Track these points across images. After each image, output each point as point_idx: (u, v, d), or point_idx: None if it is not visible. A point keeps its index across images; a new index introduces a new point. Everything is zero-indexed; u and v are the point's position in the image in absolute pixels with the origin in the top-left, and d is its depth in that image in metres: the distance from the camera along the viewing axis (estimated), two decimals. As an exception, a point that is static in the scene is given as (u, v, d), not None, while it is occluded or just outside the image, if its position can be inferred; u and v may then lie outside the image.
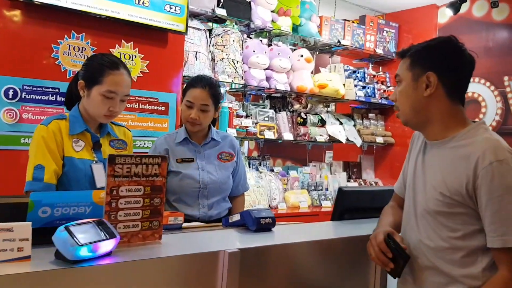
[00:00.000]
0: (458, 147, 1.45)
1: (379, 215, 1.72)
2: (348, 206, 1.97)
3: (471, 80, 1.54)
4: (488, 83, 4.47)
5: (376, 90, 4.68)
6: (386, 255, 1.47)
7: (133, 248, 1.35)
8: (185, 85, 2.48)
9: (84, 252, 1.17)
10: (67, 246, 1.15)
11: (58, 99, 2.75)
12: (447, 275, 1.44)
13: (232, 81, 3.64)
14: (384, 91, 4.77)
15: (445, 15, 4.66)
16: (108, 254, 1.25)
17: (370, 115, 4.88)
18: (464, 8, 4.48)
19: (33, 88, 2.69)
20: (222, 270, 1.36)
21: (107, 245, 1.23)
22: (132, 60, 3.02)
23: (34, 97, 2.70)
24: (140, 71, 3.06)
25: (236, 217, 1.75)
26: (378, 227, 1.62)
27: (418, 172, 1.56)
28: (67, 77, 2.76)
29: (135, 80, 3.02)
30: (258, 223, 1.66)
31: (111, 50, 2.94)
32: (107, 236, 1.24)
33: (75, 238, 1.17)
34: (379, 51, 4.76)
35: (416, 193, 1.55)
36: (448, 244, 1.44)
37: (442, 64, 1.48)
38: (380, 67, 5.14)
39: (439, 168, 1.48)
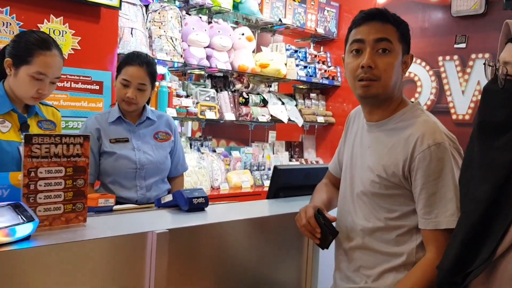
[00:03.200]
0: (396, 129, 1.45)
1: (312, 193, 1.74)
2: (283, 184, 1.98)
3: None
4: (423, 63, 4.61)
5: (317, 70, 4.72)
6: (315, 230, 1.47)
7: (55, 232, 1.28)
8: (119, 62, 2.38)
9: (-3, 237, 1.11)
10: (-23, 231, 1.08)
11: (-20, 77, 2.57)
12: (382, 254, 1.45)
13: (171, 59, 3.55)
14: (325, 71, 4.81)
15: (383, -5, 4.75)
16: (26, 239, 1.19)
17: (312, 95, 4.92)
18: (401, -11, 4.58)
19: (-48, 65, 2.50)
20: (150, 252, 1.32)
21: (24, 229, 1.17)
22: (63, 36, 2.87)
23: (-47, 75, 2.51)
24: (71, 48, 2.91)
25: (168, 198, 1.71)
26: (310, 203, 1.62)
27: (355, 154, 1.55)
28: (-8, 54, 2.58)
29: (66, 57, 2.87)
30: (191, 203, 1.63)
31: (39, 25, 2.77)
32: (24, 219, 1.17)
33: (-13, 223, 1.10)
34: (320, 30, 4.79)
35: (353, 175, 1.54)
36: (384, 224, 1.44)
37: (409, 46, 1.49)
38: (322, 47, 5.18)
39: (376, 150, 1.47)
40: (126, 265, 1.30)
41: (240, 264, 1.57)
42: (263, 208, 1.84)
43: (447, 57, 4.50)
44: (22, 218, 1.18)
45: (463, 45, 4.41)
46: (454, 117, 4.44)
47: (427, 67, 4.59)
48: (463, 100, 4.43)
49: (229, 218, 1.57)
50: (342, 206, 1.59)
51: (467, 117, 4.39)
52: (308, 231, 1.48)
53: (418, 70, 4.63)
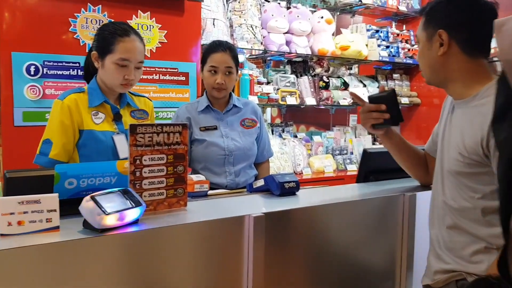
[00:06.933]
0: (478, 106, 1.40)
1: (404, 176, 1.70)
2: (373, 167, 1.95)
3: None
4: None
5: (400, 50, 4.56)
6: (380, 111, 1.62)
7: (160, 216, 1.36)
8: (203, 52, 2.45)
9: (111, 221, 1.19)
10: (94, 215, 1.17)
11: (79, 74, 2.76)
12: (472, 235, 1.42)
13: (251, 47, 3.59)
14: (409, 50, 4.64)
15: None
16: (135, 222, 1.27)
17: (395, 75, 4.77)
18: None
19: (54, 64, 2.71)
20: (248, 234, 1.36)
21: (133, 213, 1.25)
22: (150, 30, 3.00)
23: (55, 73, 2.72)
24: (159, 42, 3.04)
25: (260, 183, 1.75)
26: None
27: (445, 133, 1.54)
28: (87, 51, 2.75)
29: (154, 51, 3.01)
30: (282, 188, 1.65)
31: (128, 21, 2.91)
32: (133, 204, 1.25)
33: (101, 207, 1.18)
34: (402, 8, 4.61)
35: (443, 154, 1.53)
36: (470, 204, 1.41)
37: (451, 20, 1.44)
38: (404, 25, 4.99)
39: (460, 128, 1.45)
40: (225, 247, 1.35)
41: (334, 247, 1.58)
42: (354, 192, 1.83)
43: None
44: (131, 203, 1.26)
45: None
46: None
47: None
48: None
49: (322, 202, 1.58)
50: (434, 186, 1.58)
51: None
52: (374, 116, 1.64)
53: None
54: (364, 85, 4.46)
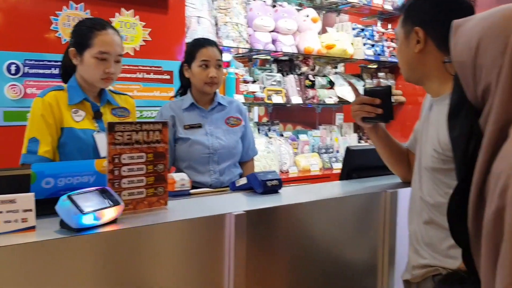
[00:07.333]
0: None
1: (386, 173, 1.71)
2: (356, 165, 1.95)
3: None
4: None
5: (385, 48, 4.58)
6: (373, 105, 1.61)
7: (139, 215, 1.34)
8: (189, 50, 2.43)
9: (88, 220, 1.17)
10: (70, 214, 1.15)
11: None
12: (447, 229, 1.42)
13: (237, 45, 3.58)
14: (394, 48, 4.66)
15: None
16: (113, 222, 1.25)
17: (380, 74, 4.79)
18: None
19: (35, 62, 2.67)
20: (229, 233, 1.35)
21: (111, 213, 1.23)
22: (133, 28, 2.97)
23: (37, 72, 2.68)
24: (143, 40, 3.01)
25: (242, 181, 1.74)
26: None
27: (423, 131, 1.55)
28: (69, 49, 2.73)
29: (138, 49, 2.98)
30: (265, 186, 1.65)
31: (111, 19, 2.89)
32: (111, 203, 1.24)
33: (78, 207, 1.16)
34: (388, 7, 4.62)
35: (420, 151, 1.55)
36: (445, 200, 1.40)
37: (427, 18, 1.45)
38: (389, 24, 5.01)
39: (436, 125, 1.46)
40: (206, 246, 1.34)
41: (316, 244, 1.58)
42: (337, 189, 1.82)
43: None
44: (109, 202, 1.24)
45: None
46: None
47: None
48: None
49: (304, 199, 1.57)
50: (413, 182, 1.59)
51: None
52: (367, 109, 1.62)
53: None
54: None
